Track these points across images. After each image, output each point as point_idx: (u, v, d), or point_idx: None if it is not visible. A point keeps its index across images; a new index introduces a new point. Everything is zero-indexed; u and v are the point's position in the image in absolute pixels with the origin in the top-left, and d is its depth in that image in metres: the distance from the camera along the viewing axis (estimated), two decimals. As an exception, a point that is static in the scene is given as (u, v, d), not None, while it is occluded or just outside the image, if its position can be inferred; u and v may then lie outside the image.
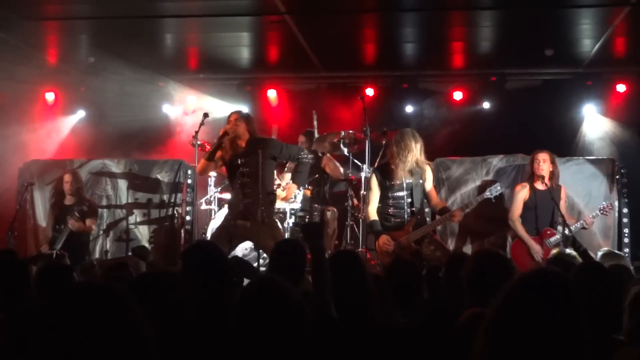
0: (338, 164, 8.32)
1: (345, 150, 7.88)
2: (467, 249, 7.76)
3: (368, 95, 9.45)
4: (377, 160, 7.68)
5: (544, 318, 1.79)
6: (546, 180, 7.14)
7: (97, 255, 8.43)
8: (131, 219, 8.63)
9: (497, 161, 8.18)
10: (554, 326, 1.77)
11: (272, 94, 10.04)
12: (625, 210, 7.85)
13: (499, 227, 7.72)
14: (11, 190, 8.86)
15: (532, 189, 7.28)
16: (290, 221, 7.70)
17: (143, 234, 8.64)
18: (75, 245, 7.68)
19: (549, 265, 4.36)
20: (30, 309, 3.38)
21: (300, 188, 7.70)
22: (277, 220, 7.20)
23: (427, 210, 7.13)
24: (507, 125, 9.38)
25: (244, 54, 9.44)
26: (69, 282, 3.89)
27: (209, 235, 7.54)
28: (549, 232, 7.13)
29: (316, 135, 8.50)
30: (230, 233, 6.54)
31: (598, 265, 3.82)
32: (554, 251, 6.84)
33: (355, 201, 7.80)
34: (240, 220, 6.51)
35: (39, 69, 9.17)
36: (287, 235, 7.61)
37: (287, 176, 8.30)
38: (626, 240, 7.78)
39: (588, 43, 8.42)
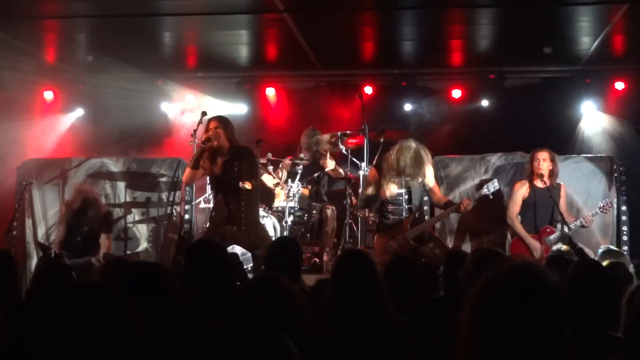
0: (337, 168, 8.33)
1: (344, 149, 7.88)
2: (466, 247, 7.76)
3: (367, 94, 9.43)
4: (375, 158, 7.68)
5: (512, 315, 1.75)
6: (545, 178, 7.15)
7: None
8: (129, 218, 8.62)
9: (495, 159, 8.19)
10: (525, 322, 1.73)
11: (270, 92, 10.03)
12: (623, 208, 7.85)
13: (498, 225, 7.72)
14: (10, 189, 8.85)
15: (532, 187, 7.29)
16: (289, 219, 7.71)
17: (142, 232, 8.64)
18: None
19: (547, 264, 4.36)
20: (27, 307, 3.39)
21: (298, 187, 7.74)
22: (267, 219, 7.33)
23: (425, 208, 7.14)
24: (506, 123, 9.37)
25: (243, 52, 9.43)
26: (67, 281, 3.89)
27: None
28: (548, 230, 7.13)
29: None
30: (221, 234, 6.62)
31: (594, 263, 3.83)
32: (554, 249, 6.87)
33: (354, 199, 7.80)
34: (227, 226, 6.61)
35: (37, 68, 9.15)
36: (285, 233, 7.62)
37: (283, 174, 8.33)
38: (625, 238, 7.78)
39: (587, 40, 8.42)
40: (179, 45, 9.24)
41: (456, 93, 9.66)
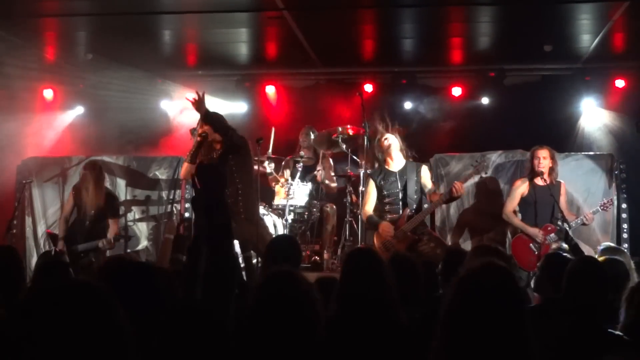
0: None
1: (344, 147, 7.87)
2: (466, 245, 7.76)
3: (367, 92, 9.43)
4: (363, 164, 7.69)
5: (481, 314, 1.76)
6: (545, 176, 7.14)
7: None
8: (130, 216, 8.63)
9: (496, 157, 8.19)
10: (488, 322, 1.74)
11: (270, 90, 10.03)
12: (624, 206, 7.85)
13: (498, 223, 7.72)
14: (9, 188, 8.86)
15: (532, 185, 7.28)
16: (289, 217, 7.70)
17: (142, 230, 8.64)
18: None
19: (545, 261, 4.34)
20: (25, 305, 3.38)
21: (298, 183, 7.75)
22: (267, 217, 7.30)
23: (425, 205, 7.13)
24: (506, 121, 9.37)
25: (242, 50, 9.42)
26: (65, 279, 3.88)
27: None
28: (549, 228, 7.12)
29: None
30: None
31: (591, 259, 3.82)
32: (553, 246, 6.87)
33: (354, 197, 7.80)
34: None
35: (37, 66, 9.15)
36: (286, 231, 7.62)
37: (287, 172, 8.32)
38: (625, 235, 7.79)
39: (587, 38, 8.40)
40: (179, 43, 9.23)
41: (456, 91, 9.65)
